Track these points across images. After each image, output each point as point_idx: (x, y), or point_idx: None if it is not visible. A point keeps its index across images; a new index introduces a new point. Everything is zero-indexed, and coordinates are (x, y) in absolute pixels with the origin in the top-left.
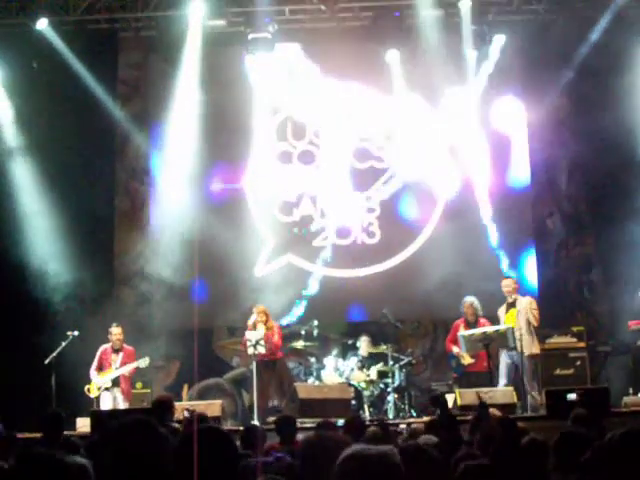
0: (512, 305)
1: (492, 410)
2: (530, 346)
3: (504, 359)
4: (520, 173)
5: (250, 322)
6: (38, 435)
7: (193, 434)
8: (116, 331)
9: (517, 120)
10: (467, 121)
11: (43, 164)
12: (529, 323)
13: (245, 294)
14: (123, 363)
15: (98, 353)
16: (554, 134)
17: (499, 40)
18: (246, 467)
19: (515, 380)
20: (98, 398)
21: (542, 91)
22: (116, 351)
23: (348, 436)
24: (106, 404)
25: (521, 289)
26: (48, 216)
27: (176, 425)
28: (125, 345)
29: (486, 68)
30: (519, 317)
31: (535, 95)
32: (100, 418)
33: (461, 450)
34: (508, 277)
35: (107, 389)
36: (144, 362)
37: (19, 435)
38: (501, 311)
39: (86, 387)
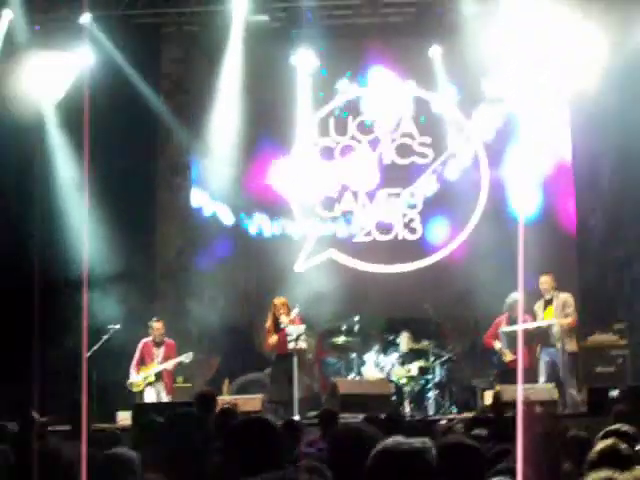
0: (550, 302)
1: (534, 406)
2: (569, 343)
3: (543, 357)
4: (563, 169)
5: (270, 320)
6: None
7: (239, 425)
8: (157, 325)
9: (561, 114)
10: (508, 116)
11: (84, 157)
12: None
13: (286, 289)
14: (165, 357)
15: (139, 347)
16: (598, 128)
17: None
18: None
19: (554, 378)
20: (142, 392)
21: (586, 84)
22: (157, 345)
23: (379, 430)
24: (150, 399)
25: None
26: (89, 211)
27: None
28: (166, 339)
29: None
30: (557, 314)
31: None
32: (142, 411)
33: (499, 446)
34: (546, 274)
35: (150, 384)
36: (187, 357)
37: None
38: (538, 307)
39: (128, 382)
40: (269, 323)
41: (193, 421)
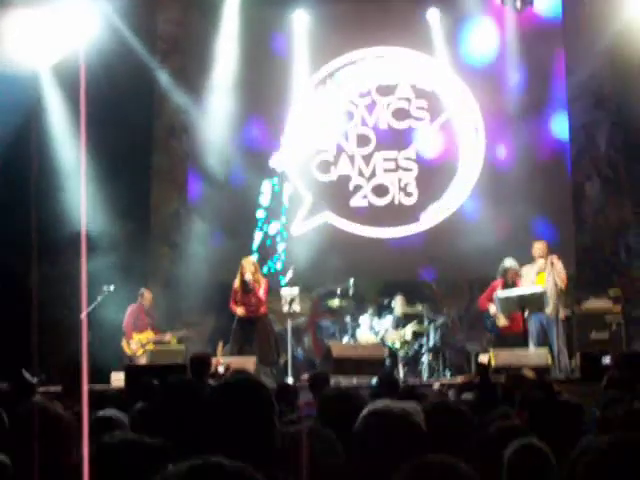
0: (543, 268)
1: (525, 371)
2: (561, 309)
3: (533, 322)
4: (560, 136)
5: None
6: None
7: (229, 384)
8: (148, 295)
9: (558, 80)
10: (506, 79)
11: (79, 119)
12: (557, 285)
13: (281, 252)
14: (153, 324)
15: (131, 312)
16: (595, 96)
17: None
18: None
19: (543, 343)
20: (135, 356)
21: (583, 51)
22: (147, 313)
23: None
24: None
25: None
26: (85, 172)
27: (212, 382)
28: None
29: (527, 27)
30: (548, 279)
31: (576, 56)
32: (135, 373)
33: (497, 410)
34: (540, 240)
35: (145, 351)
36: (185, 334)
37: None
38: (526, 270)
39: (126, 343)
40: (237, 284)
41: (189, 389)
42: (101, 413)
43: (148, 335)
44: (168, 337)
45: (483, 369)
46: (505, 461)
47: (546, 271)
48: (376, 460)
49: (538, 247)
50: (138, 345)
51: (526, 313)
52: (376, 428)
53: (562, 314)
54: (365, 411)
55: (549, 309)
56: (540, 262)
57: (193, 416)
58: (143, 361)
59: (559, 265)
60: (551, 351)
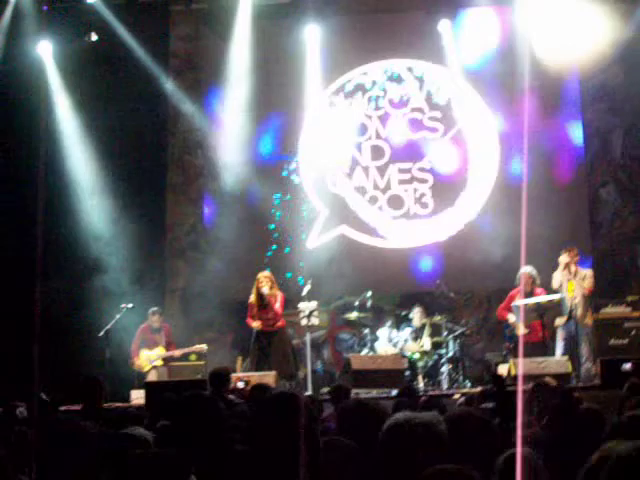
0: (573, 275)
1: (547, 379)
2: (587, 316)
3: (562, 330)
4: (574, 142)
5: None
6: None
7: (269, 400)
8: (154, 318)
9: (572, 86)
10: (519, 87)
11: (94, 137)
12: (584, 294)
13: (298, 266)
14: (167, 341)
15: (139, 332)
16: (608, 102)
17: None
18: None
19: (571, 351)
20: (147, 373)
21: (596, 58)
22: (156, 330)
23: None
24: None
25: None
26: (99, 189)
27: (231, 397)
28: (163, 323)
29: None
30: (577, 287)
31: (589, 62)
32: (155, 390)
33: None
34: (571, 248)
35: (155, 367)
36: (201, 349)
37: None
38: (557, 275)
39: (135, 363)
40: (252, 298)
41: (205, 402)
42: (125, 431)
43: (158, 352)
44: (178, 353)
45: (499, 378)
46: (496, 470)
47: (576, 278)
48: (401, 470)
49: (569, 255)
50: (146, 361)
51: (557, 321)
52: (400, 438)
53: (589, 321)
54: (389, 422)
55: (578, 316)
56: (566, 269)
57: (211, 430)
58: (152, 377)
59: (581, 272)
60: (576, 359)
